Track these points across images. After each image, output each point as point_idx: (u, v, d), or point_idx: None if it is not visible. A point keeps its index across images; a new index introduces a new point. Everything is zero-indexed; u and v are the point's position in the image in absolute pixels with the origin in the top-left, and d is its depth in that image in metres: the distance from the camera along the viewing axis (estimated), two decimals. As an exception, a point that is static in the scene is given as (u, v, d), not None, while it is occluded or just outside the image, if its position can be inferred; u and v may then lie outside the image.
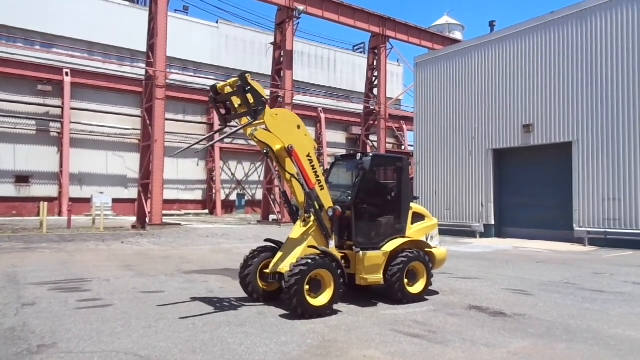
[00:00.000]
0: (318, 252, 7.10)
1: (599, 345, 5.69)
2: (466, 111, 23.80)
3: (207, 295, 8.36)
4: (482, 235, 22.08)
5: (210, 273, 10.92)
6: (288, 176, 7.58)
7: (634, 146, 17.79)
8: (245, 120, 7.29)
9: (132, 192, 35.84)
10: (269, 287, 7.76)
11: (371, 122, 40.12)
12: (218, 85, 7.50)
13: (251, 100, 6.89)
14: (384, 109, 38.00)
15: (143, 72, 29.27)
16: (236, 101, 7.28)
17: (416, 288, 7.99)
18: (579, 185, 19.18)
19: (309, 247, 7.28)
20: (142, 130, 27.08)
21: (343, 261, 7.39)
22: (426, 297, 8.15)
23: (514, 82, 21.73)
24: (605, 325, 6.62)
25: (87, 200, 33.94)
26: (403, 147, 50.18)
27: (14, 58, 32.74)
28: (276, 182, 29.38)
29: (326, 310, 6.89)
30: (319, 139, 44.83)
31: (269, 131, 7.18)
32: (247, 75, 6.86)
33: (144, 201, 25.32)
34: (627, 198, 17.84)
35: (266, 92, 7.39)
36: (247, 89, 6.83)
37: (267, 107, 7.07)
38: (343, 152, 43.03)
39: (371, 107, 39.24)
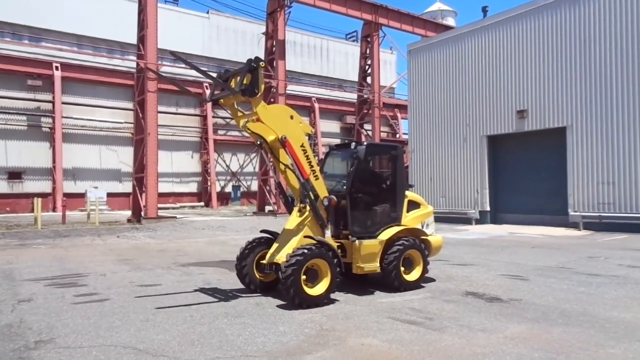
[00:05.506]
0: (314, 242, 7.10)
1: (595, 328, 5.74)
2: (460, 98, 23.77)
3: (204, 287, 8.35)
4: (478, 222, 22.16)
5: (206, 265, 10.92)
6: (282, 167, 7.55)
7: (627, 130, 17.84)
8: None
9: (126, 186, 35.70)
10: (265, 278, 7.77)
11: (365, 111, 40.05)
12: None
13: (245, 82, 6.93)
14: (378, 98, 37.93)
15: (134, 64, 29.03)
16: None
17: (412, 276, 8.01)
18: (574, 169, 19.25)
19: (305, 237, 7.28)
20: (134, 123, 26.91)
21: (339, 250, 7.39)
22: (423, 285, 8.18)
23: (508, 68, 21.68)
24: (600, 309, 6.67)
25: (81, 195, 33.85)
26: (397, 136, 50.15)
27: (2, 53, 32.35)
28: (271, 173, 29.34)
29: (323, 300, 6.91)
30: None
31: (262, 122, 7.16)
32: (261, 62, 6.96)
33: (138, 195, 25.25)
34: (622, 182, 17.93)
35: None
36: (253, 65, 6.89)
37: (262, 101, 7.08)
38: (337, 141, 42.95)
39: (365, 96, 39.13)
